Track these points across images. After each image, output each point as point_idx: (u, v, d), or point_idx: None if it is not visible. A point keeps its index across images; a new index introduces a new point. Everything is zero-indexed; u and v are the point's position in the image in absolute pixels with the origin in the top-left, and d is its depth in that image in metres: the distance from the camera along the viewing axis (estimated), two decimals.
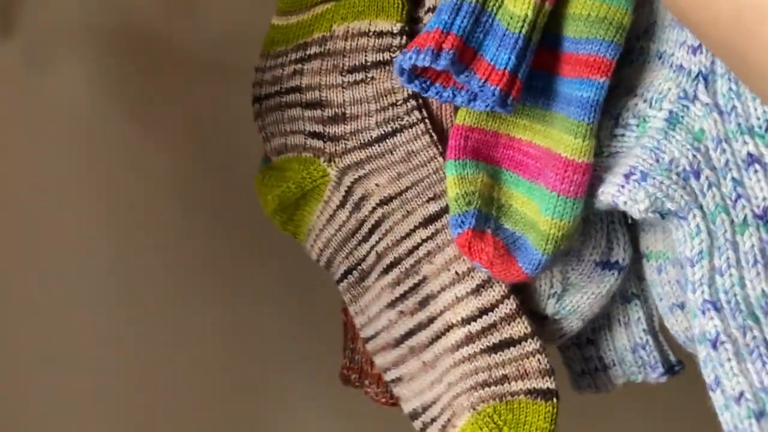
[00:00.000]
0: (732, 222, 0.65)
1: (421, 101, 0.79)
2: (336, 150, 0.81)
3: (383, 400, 0.87)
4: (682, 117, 0.68)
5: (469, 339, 0.76)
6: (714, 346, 0.64)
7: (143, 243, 1.17)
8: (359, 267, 0.81)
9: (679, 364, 0.84)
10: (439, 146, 0.78)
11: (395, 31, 0.78)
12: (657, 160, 0.68)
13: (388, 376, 0.82)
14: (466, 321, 0.76)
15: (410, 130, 0.78)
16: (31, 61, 1.09)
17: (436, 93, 0.70)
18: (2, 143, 1.08)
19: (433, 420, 0.79)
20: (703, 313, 0.65)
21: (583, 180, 0.69)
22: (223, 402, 1.23)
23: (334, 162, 0.81)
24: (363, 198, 0.80)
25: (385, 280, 0.80)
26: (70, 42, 1.10)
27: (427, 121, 0.78)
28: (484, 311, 0.76)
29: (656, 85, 0.70)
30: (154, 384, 1.18)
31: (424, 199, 0.78)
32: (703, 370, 0.65)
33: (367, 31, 0.79)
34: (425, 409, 0.80)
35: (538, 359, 0.75)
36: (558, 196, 0.69)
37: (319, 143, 0.82)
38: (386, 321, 0.81)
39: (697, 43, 0.68)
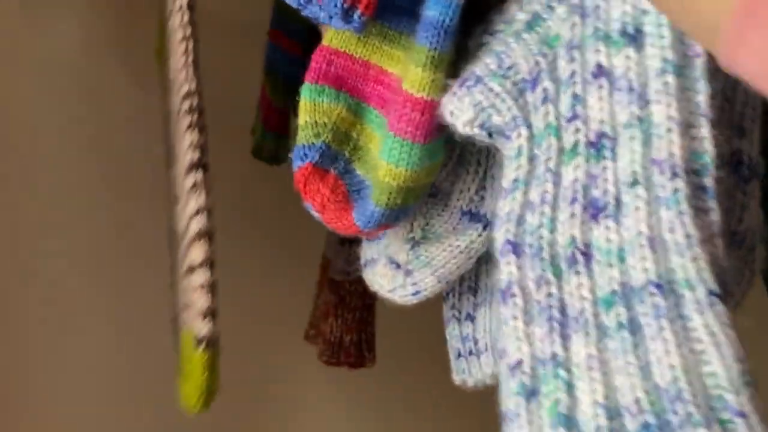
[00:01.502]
0: (561, 149, 0.50)
1: None
2: None
3: (324, 358, 0.87)
4: (544, 20, 0.54)
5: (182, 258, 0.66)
6: (503, 299, 0.49)
7: (139, 194, 1.11)
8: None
9: None
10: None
11: None
12: (499, 65, 0.54)
13: None
14: (182, 237, 0.66)
15: None
16: (29, 10, 1.08)
17: (310, 11, 0.60)
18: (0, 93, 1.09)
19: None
20: (502, 255, 0.50)
21: (422, 120, 0.57)
22: (225, 400, 1.17)
23: None
24: None
25: None
26: None
27: None
28: (186, 228, 0.65)
29: None
30: (153, 379, 1.12)
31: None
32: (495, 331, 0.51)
33: None
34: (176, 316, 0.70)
35: (199, 295, 0.62)
36: (394, 136, 0.58)
37: None
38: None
39: None
